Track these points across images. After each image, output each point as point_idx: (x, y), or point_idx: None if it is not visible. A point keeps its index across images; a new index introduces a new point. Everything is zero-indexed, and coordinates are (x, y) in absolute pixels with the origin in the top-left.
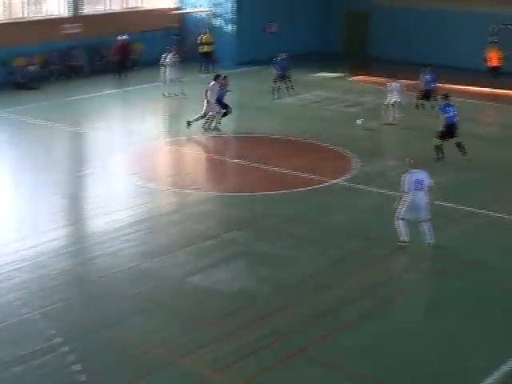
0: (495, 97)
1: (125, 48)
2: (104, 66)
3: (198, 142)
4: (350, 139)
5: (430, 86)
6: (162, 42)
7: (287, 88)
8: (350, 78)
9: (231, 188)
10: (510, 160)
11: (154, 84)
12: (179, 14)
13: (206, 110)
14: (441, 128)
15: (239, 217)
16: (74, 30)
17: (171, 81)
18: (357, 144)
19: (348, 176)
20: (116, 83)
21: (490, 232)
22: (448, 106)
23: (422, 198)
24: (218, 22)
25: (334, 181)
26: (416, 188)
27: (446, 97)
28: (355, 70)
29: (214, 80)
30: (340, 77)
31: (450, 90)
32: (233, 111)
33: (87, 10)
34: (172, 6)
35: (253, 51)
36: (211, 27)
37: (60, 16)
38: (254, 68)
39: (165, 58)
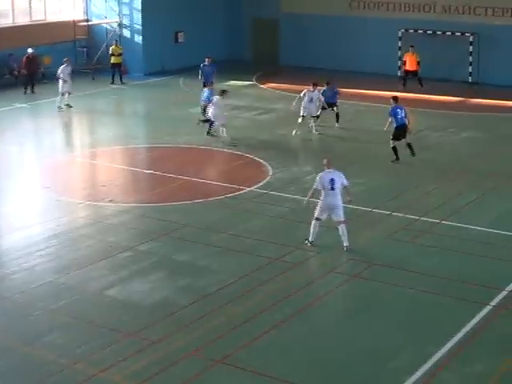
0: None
1: (32, 61)
2: (13, 80)
3: (111, 154)
4: (263, 146)
5: (332, 100)
6: (70, 54)
7: None
8: (261, 86)
9: (146, 199)
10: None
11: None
12: (86, 25)
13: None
14: (392, 130)
15: (155, 228)
16: None
17: (63, 94)
18: (269, 151)
19: (262, 183)
20: (24, 97)
21: (404, 234)
22: (397, 108)
23: (335, 198)
24: (125, 32)
25: (249, 188)
26: (328, 188)
27: (395, 99)
28: (265, 77)
29: (220, 95)
30: (250, 85)
31: (360, 95)
32: (145, 122)
33: None
34: (78, 17)
35: (161, 61)
36: (119, 38)
37: None
38: (163, 78)
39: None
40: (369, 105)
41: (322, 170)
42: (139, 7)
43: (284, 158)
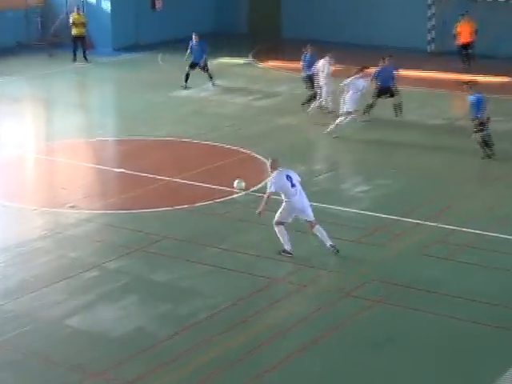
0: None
1: None
2: None
3: (73, 149)
4: (261, 140)
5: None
6: (21, 24)
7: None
8: (259, 65)
9: (115, 205)
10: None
11: (13, 77)
12: None
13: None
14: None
15: (127, 240)
16: None
17: None
18: (269, 145)
19: (260, 185)
20: None
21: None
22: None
23: (300, 197)
24: None
25: (244, 191)
26: (289, 186)
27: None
28: (264, 53)
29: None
30: (246, 63)
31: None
32: (115, 109)
33: None
34: None
35: (134, 34)
36: (82, 5)
37: None
38: (137, 54)
39: None
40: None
41: (271, 173)
42: None
43: (287, 154)
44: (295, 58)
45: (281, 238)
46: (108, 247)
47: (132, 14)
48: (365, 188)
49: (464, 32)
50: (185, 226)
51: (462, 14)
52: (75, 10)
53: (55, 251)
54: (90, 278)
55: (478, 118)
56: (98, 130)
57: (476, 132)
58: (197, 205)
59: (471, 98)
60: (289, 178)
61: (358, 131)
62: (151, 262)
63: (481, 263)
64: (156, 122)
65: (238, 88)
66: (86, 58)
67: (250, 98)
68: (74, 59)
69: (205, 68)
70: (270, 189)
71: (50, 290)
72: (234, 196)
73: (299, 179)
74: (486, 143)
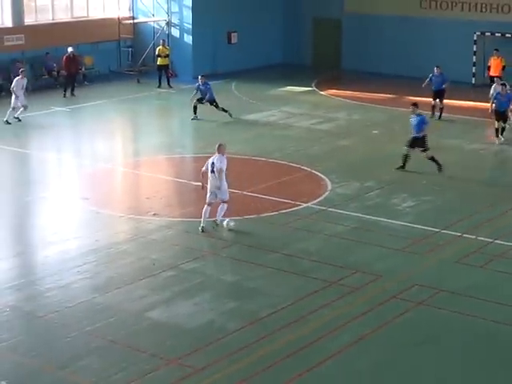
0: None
1: (73, 61)
2: (52, 81)
3: (155, 164)
4: (321, 159)
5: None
6: (114, 54)
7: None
8: (321, 92)
9: (192, 213)
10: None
11: (106, 100)
12: (132, 23)
13: None
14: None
15: (202, 245)
16: (16, 41)
17: (13, 108)
18: (328, 164)
19: (320, 199)
20: (64, 100)
21: (476, 258)
22: (421, 118)
23: (215, 181)
24: (174, 32)
25: (305, 204)
26: (210, 171)
27: (414, 105)
28: (325, 83)
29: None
30: (309, 91)
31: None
32: (193, 129)
33: (31, 19)
34: (123, 15)
35: (212, 64)
36: (167, 38)
37: (0, 26)
38: (214, 82)
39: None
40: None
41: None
42: (189, 4)
43: (345, 172)
44: (352, 87)
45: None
46: (184, 250)
47: (210, 47)
48: (410, 203)
49: (493, 66)
50: (252, 233)
51: (496, 49)
52: (161, 42)
53: (138, 253)
54: (168, 277)
55: (416, 136)
56: (179, 148)
57: (423, 151)
58: (263, 215)
59: (413, 118)
60: (212, 164)
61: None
62: (222, 264)
63: None
64: (228, 142)
65: (302, 113)
66: (169, 85)
67: (313, 121)
68: (159, 86)
69: (214, 104)
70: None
71: (134, 286)
72: (297, 208)
73: (219, 166)
74: (433, 158)
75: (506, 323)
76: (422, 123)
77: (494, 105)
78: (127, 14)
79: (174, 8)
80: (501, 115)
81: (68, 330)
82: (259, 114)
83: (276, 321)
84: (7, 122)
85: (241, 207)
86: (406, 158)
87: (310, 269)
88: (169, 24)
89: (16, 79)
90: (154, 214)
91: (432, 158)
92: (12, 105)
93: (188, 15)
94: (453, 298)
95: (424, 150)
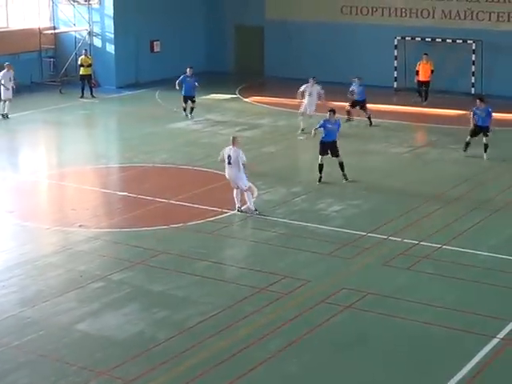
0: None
1: None
2: None
3: (80, 175)
4: (247, 166)
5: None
6: (36, 65)
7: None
8: (245, 100)
9: (119, 224)
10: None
11: (28, 112)
12: (53, 33)
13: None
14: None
15: (129, 255)
16: None
17: (5, 101)
18: (254, 170)
19: (246, 205)
20: None
21: (402, 260)
22: (328, 122)
23: (231, 171)
24: (96, 41)
25: (231, 211)
26: (227, 162)
27: (332, 111)
28: (249, 90)
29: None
30: (233, 98)
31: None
32: (118, 139)
33: None
34: (44, 25)
35: (135, 73)
36: (89, 48)
37: None
38: (137, 91)
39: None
40: (362, 119)
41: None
42: (111, 14)
43: (271, 178)
44: (276, 94)
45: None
46: (112, 261)
47: (133, 56)
48: (337, 208)
49: (422, 71)
50: (179, 242)
51: (426, 54)
52: (83, 52)
53: (66, 265)
54: (96, 288)
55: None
56: (104, 158)
57: (336, 156)
58: (190, 223)
59: (330, 124)
60: (228, 156)
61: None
62: (150, 274)
63: (439, 273)
64: (154, 151)
65: (226, 120)
66: (92, 95)
67: (237, 128)
68: (82, 96)
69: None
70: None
71: (62, 298)
72: (223, 216)
73: (244, 159)
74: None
75: (432, 323)
76: (338, 128)
77: (474, 120)
78: (48, 23)
79: (96, 17)
80: (481, 130)
81: None
82: (184, 123)
83: (206, 329)
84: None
85: (168, 216)
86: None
87: (238, 276)
88: (90, 33)
89: (3, 72)
90: (81, 226)
91: (341, 164)
92: (3, 98)
93: (110, 24)
94: (380, 300)
95: (337, 155)
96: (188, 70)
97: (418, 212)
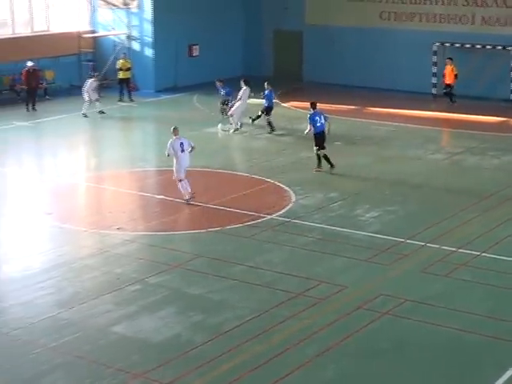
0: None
1: (32, 75)
2: (12, 96)
3: (118, 178)
4: (285, 170)
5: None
6: (75, 68)
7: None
8: (283, 105)
9: (155, 227)
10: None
11: (67, 115)
12: (92, 37)
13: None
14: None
15: (166, 259)
16: None
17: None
18: (292, 175)
19: (284, 210)
20: (26, 114)
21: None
22: (316, 114)
23: (186, 158)
24: (134, 45)
25: (269, 216)
26: (181, 150)
27: (313, 105)
28: (287, 95)
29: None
30: None
31: (391, 114)
32: (156, 142)
33: None
34: (84, 29)
35: (173, 77)
36: (128, 51)
37: None
38: (175, 95)
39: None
40: (400, 125)
41: (172, 138)
42: (150, 18)
43: (308, 184)
44: (314, 98)
45: (182, 191)
46: (149, 264)
47: (172, 60)
48: (374, 213)
49: (447, 74)
50: (216, 246)
51: (450, 58)
52: (122, 56)
53: (103, 267)
54: (133, 291)
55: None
56: (142, 161)
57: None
58: (227, 227)
59: (317, 116)
60: (181, 144)
61: (370, 165)
62: (187, 277)
63: (476, 281)
64: (192, 155)
65: (264, 125)
66: (130, 99)
67: (276, 133)
68: (120, 99)
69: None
70: (168, 151)
71: (99, 301)
72: (261, 220)
73: (190, 144)
74: (326, 157)
75: (470, 331)
76: (326, 119)
77: None
78: (87, 27)
79: (135, 21)
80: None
81: (33, 347)
82: (222, 127)
83: (242, 333)
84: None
85: (205, 220)
86: (320, 158)
87: (274, 280)
88: (129, 37)
89: (89, 81)
90: (118, 228)
91: (325, 157)
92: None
93: (148, 28)
94: (418, 307)
95: (323, 148)
96: (217, 82)
97: (456, 219)
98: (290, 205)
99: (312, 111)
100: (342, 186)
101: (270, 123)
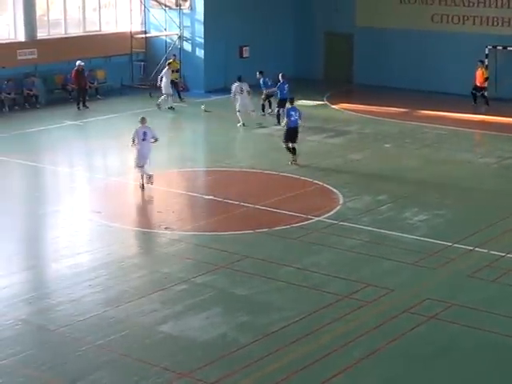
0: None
1: (81, 74)
2: (64, 95)
3: (167, 177)
4: (333, 172)
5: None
6: (126, 68)
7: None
8: (332, 106)
9: (203, 227)
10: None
11: (118, 114)
12: (144, 37)
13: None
14: (284, 131)
15: (214, 259)
16: (29, 55)
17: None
18: (340, 177)
19: (332, 213)
20: (76, 114)
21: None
22: (291, 109)
23: (146, 147)
24: (186, 46)
25: (317, 218)
26: (142, 139)
27: (291, 100)
28: (337, 97)
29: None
30: (321, 105)
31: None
32: (205, 143)
33: (44, 33)
34: (135, 29)
35: (223, 78)
36: (179, 52)
37: (13, 40)
38: (225, 96)
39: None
40: (450, 128)
41: (138, 126)
42: (201, 19)
43: (356, 186)
44: (364, 101)
45: (140, 173)
46: (196, 264)
47: (222, 61)
48: (422, 217)
49: (477, 76)
50: (264, 247)
51: (481, 61)
52: (172, 57)
53: (150, 267)
54: (179, 291)
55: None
56: (190, 161)
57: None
58: (275, 229)
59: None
60: (143, 133)
61: (414, 167)
62: (233, 277)
63: None
64: (240, 155)
65: (314, 127)
66: (180, 99)
67: (324, 135)
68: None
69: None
70: (132, 139)
71: (145, 300)
72: (309, 222)
73: (154, 134)
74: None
75: None
76: (300, 115)
77: None
78: (139, 28)
79: (186, 22)
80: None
81: (79, 344)
82: (270, 128)
83: (288, 335)
84: (171, 108)
85: (253, 221)
86: (290, 149)
87: (321, 283)
88: (181, 38)
89: (165, 69)
90: (166, 228)
91: (294, 149)
92: (164, 92)
93: (200, 29)
94: (465, 311)
95: (295, 142)
96: (280, 75)
97: (505, 224)
98: (338, 207)
99: (290, 106)
100: (391, 189)
101: (278, 116)
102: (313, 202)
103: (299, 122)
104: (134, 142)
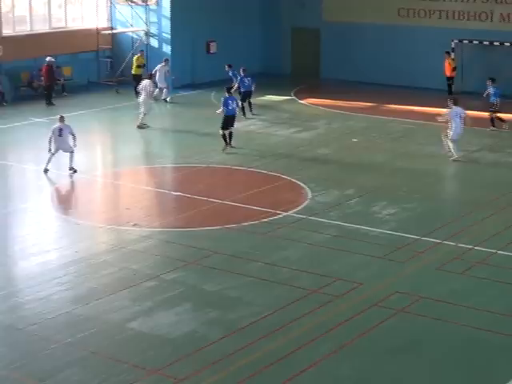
0: None
1: (50, 71)
2: (30, 92)
3: (135, 174)
4: (301, 167)
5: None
6: (93, 64)
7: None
8: (300, 101)
9: (173, 223)
10: None
11: (84, 111)
12: (110, 34)
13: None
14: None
15: (183, 255)
16: None
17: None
18: (308, 172)
19: (300, 207)
20: (43, 110)
21: (456, 265)
22: (229, 99)
23: (61, 142)
24: (152, 42)
25: (285, 213)
26: (58, 135)
27: (228, 90)
28: (305, 92)
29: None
30: (288, 100)
31: (408, 111)
32: (172, 139)
33: (9, 30)
34: (102, 25)
35: (191, 74)
36: (146, 48)
37: None
38: (193, 92)
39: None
40: (417, 122)
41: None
42: (168, 14)
43: (324, 180)
44: (331, 96)
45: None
46: (165, 260)
47: (189, 57)
48: (391, 211)
49: (446, 67)
50: (232, 242)
51: (448, 52)
52: (138, 53)
53: (119, 264)
54: (149, 287)
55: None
56: (158, 158)
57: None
58: (244, 224)
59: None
60: (59, 130)
61: (392, 160)
62: (203, 274)
63: (493, 279)
64: (209, 152)
65: (282, 122)
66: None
67: (292, 130)
68: (136, 96)
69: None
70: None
71: (115, 297)
72: (277, 217)
73: (74, 133)
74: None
75: (486, 329)
76: (237, 104)
77: None
78: (106, 24)
79: (153, 18)
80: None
81: (48, 342)
82: (239, 124)
83: (257, 330)
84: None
85: (221, 216)
86: (225, 138)
87: (290, 277)
88: (147, 34)
89: (159, 65)
90: (134, 225)
91: (230, 135)
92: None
93: (167, 25)
94: (433, 304)
95: (227, 129)
96: (242, 70)
97: (472, 217)
98: (307, 202)
99: (227, 95)
100: (359, 183)
101: (243, 108)
102: (281, 197)
103: (236, 110)
104: (50, 139)
